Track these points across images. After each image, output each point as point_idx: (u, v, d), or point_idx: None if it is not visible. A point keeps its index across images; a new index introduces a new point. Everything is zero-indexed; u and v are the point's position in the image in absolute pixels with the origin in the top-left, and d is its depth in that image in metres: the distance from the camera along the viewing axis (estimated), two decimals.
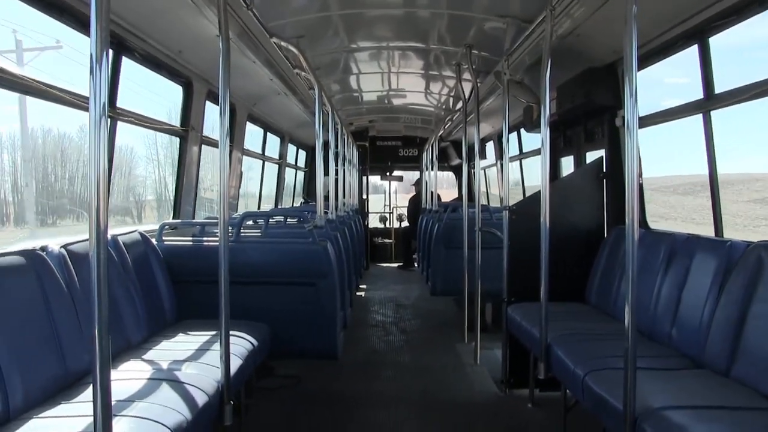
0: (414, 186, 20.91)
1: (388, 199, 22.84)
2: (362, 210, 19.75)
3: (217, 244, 5.29)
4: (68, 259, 4.88)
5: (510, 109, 7.82)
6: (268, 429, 6.48)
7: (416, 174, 21.13)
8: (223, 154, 4.93)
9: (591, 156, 8.66)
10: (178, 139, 8.41)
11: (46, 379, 4.24)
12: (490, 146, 16.49)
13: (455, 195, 22.33)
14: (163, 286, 6.53)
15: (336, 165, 11.14)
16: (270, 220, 8.84)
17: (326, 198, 8.84)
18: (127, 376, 4.56)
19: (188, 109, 8.25)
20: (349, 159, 15.39)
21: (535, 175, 12.91)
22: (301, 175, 19.00)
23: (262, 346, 6.14)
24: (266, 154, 14.00)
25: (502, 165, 12.23)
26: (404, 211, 21.56)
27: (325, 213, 8.31)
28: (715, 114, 5.68)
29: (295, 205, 17.85)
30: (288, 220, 10.09)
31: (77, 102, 5.53)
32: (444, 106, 14.68)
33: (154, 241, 6.82)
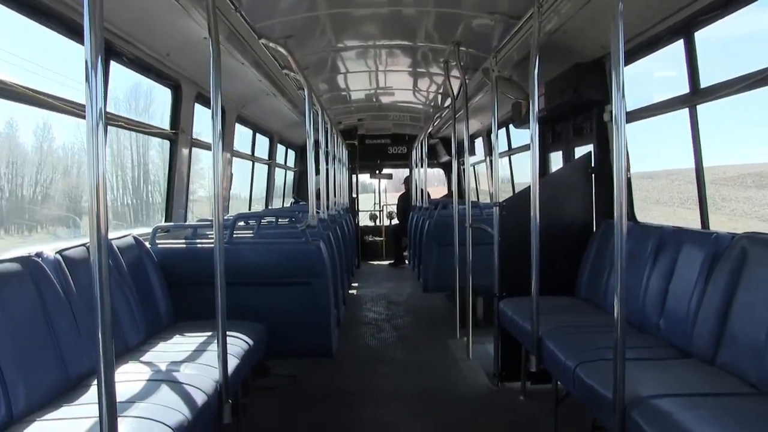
0: (403, 183, 20.94)
1: (377, 197, 22.87)
2: (352, 208, 19.77)
3: (210, 245, 5.33)
4: (63, 264, 4.91)
5: (499, 106, 7.88)
6: (265, 427, 6.54)
7: (405, 172, 21.17)
8: (215, 157, 4.96)
9: (580, 151, 8.72)
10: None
11: (47, 383, 4.28)
12: (479, 142, 16.52)
13: (443, 192, 22.37)
14: (158, 289, 6.56)
15: (326, 164, 11.17)
16: (262, 220, 8.87)
17: (317, 197, 8.87)
18: (128, 378, 4.60)
19: (177, 111, 8.25)
20: (339, 158, 15.41)
21: (524, 170, 12.96)
22: (290, 175, 18.98)
23: (258, 346, 6.19)
24: (255, 155, 14.00)
25: (491, 161, 12.29)
26: (394, 208, 21.60)
27: (317, 212, 8.34)
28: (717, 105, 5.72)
29: (285, 205, 17.85)
30: (279, 220, 10.13)
31: (70, 109, 5.56)
32: (432, 104, 14.71)
33: (147, 244, 6.84)
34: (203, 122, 8.90)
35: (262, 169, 15.19)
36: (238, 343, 5.74)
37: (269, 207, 15.52)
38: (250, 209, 14.01)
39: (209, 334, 5.94)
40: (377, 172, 21.68)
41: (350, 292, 14.12)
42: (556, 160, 9.93)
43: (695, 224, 5.93)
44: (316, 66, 10.30)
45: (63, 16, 5.38)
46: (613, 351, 4.07)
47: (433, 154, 19.93)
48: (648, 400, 3.99)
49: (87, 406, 4.12)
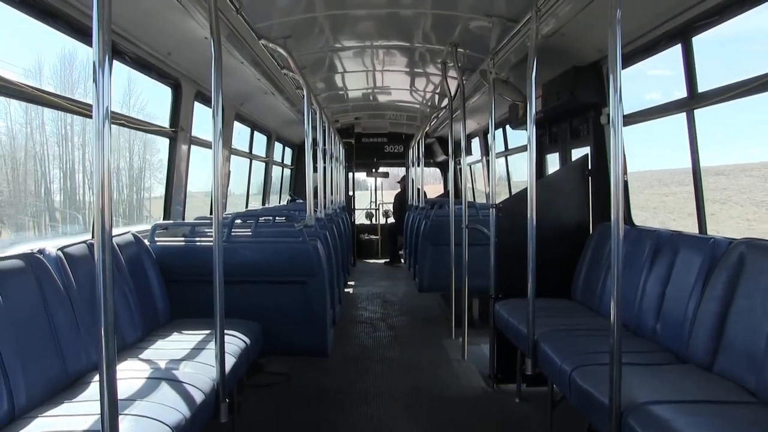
0: (399, 182, 20.96)
1: (373, 195, 22.89)
2: (348, 207, 19.79)
3: (208, 243, 5.35)
4: (65, 261, 4.93)
5: (496, 106, 7.90)
6: (260, 425, 6.55)
7: (402, 170, 21.18)
8: (216, 155, 4.98)
9: (576, 153, 8.75)
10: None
11: (48, 379, 4.31)
12: (475, 142, 16.54)
13: (439, 190, 22.40)
14: (156, 287, 6.58)
15: (323, 162, 11.18)
16: (259, 219, 8.88)
17: (314, 195, 8.89)
18: (127, 376, 4.62)
19: (177, 109, 8.27)
20: (336, 156, 15.42)
21: (521, 171, 12.99)
22: (287, 172, 18.98)
23: (254, 344, 6.21)
24: (253, 152, 14.00)
25: (488, 161, 12.29)
26: (390, 207, 21.62)
27: (315, 211, 8.35)
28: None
29: (282, 202, 17.85)
30: (277, 218, 10.14)
31: (77, 108, 5.57)
32: (429, 103, 14.72)
33: (146, 241, 6.86)
34: (201, 119, 8.93)
35: (258, 167, 15.19)
36: (235, 342, 5.77)
37: (266, 204, 15.53)
38: (247, 207, 14.02)
39: (206, 332, 5.96)
40: (374, 170, 21.68)
41: (346, 290, 14.13)
42: (553, 162, 9.96)
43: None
44: (314, 65, 10.32)
45: (69, 17, 5.40)
46: (609, 356, 4.08)
47: (429, 154, 19.94)
48: (644, 406, 4.00)
49: (87, 403, 4.15)
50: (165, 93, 8.20)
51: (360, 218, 22.38)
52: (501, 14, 7.21)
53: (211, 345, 5.26)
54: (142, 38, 6.68)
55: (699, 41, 5.75)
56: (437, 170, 22.24)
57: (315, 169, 9.72)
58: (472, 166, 17.59)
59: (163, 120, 8.23)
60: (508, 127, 12.35)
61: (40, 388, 4.19)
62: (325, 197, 11.21)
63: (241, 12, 6.53)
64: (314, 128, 10.20)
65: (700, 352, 4.89)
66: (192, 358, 5.24)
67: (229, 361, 5.19)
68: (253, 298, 7.05)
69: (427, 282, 11.85)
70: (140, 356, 5.33)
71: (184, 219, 8.67)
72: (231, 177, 11.60)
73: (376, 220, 22.41)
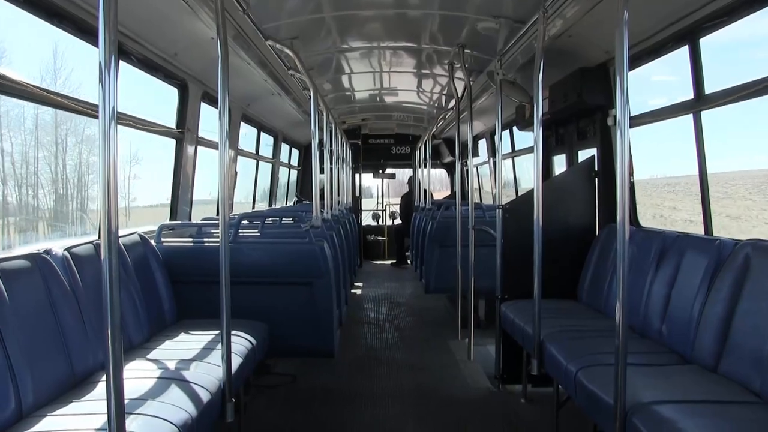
0: (407, 184, 20.97)
1: (380, 197, 22.91)
2: (355, 208, 19.80)
3: (215, 244, 5.36)
4: (71, 261, 4.95)
5: (503, 108, 7.90)
6: (266, 426, 6.56)
7: (408, 173, 21.20)
8: (222, 156, 4.99)
9: (583, 154, 8.75)
10: None
11: (55, 379, 4.33)
12: (482, 144, 16.54)
13: (445, 194, 22.39)
14: (162, 287, 6.58)
15: (330, 163, 11.18)
16: (266, 220, 8.89)
17: (321, 197, 8.90)
18: (133, 376, 4.64)
19: (184, 110, 8.28)
20: (343, 157, 15.44)
21: (528, 172, 12.98)
22: (293, 173, 19.00)
23: (261, 345, 6.22)
24: (259, 153, 14.03)
25: (495, 163, 12.30)
26: (397, 208, 21.63)
27: (321, 212, 8.36)
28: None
29: (288, 203, 17.88)
30: (283, 219, 10.15)
31: (82, 108, 5.59)
32: (436, 104, 14.73)
33: (153, 242, 6.87)
34: (207, 120, 8.93)
35: (264, 172, 15.20)
36: (241, 342, 5.77)
37: (273, 206, 15.55)
38: (253, 208, 14.04)
39: (213, 332, 5.97)
40: (380, 171, 21.70)
41: (352, 291, 14.14)
42: (560, 164, 9.96)
43: None
44: (321, 66, 10.34)
45: (75, 17, 5.42)
46: (615, 356, 4.08)
47: (436, 155, 19.94)
48: (649, 407, 4.00)
49: (95, 402, 4.16)
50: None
51: (367, 219, 22.40)
52: (508, 15, 7.21)
53: (218, 345, 5.27)
54: (149, 39, 6.70)
55: (706, 45, 5.74)
56: (444, 176, 22.25)
57: (321, 170, 9.73)
58: (479, 167, 17.58)
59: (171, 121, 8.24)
60: (515, 128, 12.35)
61: (48, 388, 4.21)
62: (331, 198, 11.22)
63: (248, 12, 6.54)
64: (321, 129, 10.21)
65: (705, 353, 4.89)
66: (198, 358, 5.25)
67: (236, 362, 5.20)
68: (260, 298, 7.05)
69: (434, 283, 11.84)
70: (147, 356, 5.34)
71: (190, 220, 8.68)
72: (237, 181, 11.63)
73: (382, 222, 22.42)
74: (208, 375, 4.82)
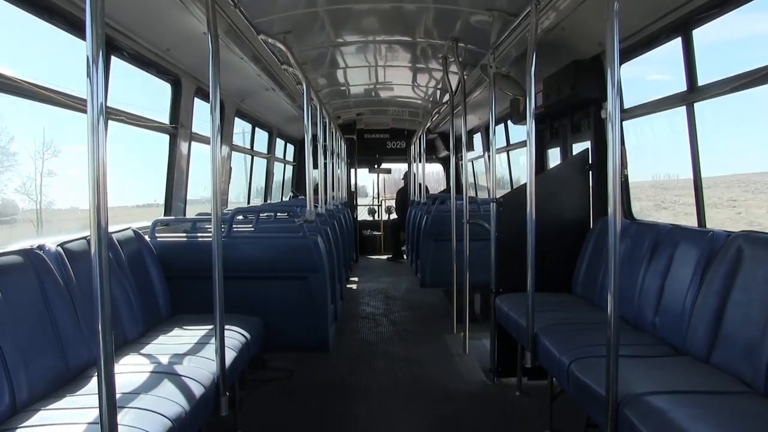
0: (402, 179, 20.98)
1: (375, 190, 22.92)
2: (351, 203, 19.81)
3: (209, 239, 5.35)
4: (65, 257, 4.96)
5: (497, 101, 7.90)
6: (261, 420, 6.57)
7: (403, 173, 21.21)
8: (214, 151, 4.99)
9: (577, 148, 8.75)
10: None
11: (49, 374, 4.33)
12: (477, 138, 16.55)
13: (443, 189, 22.40)
14: (157, 282, 6.59)
15: (325, 159, 11.18)
16: (260, 215, 8.89)
17: (315, 192, 8.90)
18: (127, 370, 4.66)
19: (177, 106, 8.28)
20: (338, 152, 15.43)
21: (523, 167, 12.98)
22: (288, 169, 19.00)
23: (255, 340, 6.23)
24: (254, 149, 14.02)
25: (489, 157, 12.35)
26: (392, 203, 21.63)
27: (315, 207, 8.36)
28: None
29: (284, 199, 17.88)
30: (278, 214, 10.15)
31: (71, 103, 5.58)
32: (431, 99, 14.74)
33: (147, 237, 6.87)
34: (201, 116, 8.92)
35: (259, 170, 15.18)
36: (235, 337, 5.78)
37: (268, 201, 15.55)
38: (248, 203, 14.04)
39: (207, 327, 5.98)
40: (376, 166, 21.70)
41: (348, 286, 14.15)
42: (555, 157, 9.96)
43: None
44: (315, 61, 10.33)
45: (64, 12, 5.41)
46: (606, 348, 4.10)
47: (431, 149, 19.96)
48: (641, 398, 4.01)
49: (88, 396, 4.17)
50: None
51: (363, 214, 22.41)
52: (501, 8, 7.21)
53: (212, 340, 5.27)
54: (141, 34, 6.69)
55: (698, 37, 5.74)
56: (441, 172, 22.26)
57: (315, 165, 9.73)
58: (474, 162, 17.59)
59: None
60: (510, 122, 12.36)
61: (42, 383, 4.22)
62: (326, 193, 11.22)
63: (240, 7, 6.54)
64: (315, 124, 10.21)
65: (697, 344, 4.90)
66: (192, 352, 5.26)
67: (230, 356, 5.21)
68: (255, 293, 7.07)
69: (429, 277, 11.86)
70: (141, 351, 5.35)
71: (185, 215, 8.68)
72: (233, 179, 11.62)
73: (378, 216, 22.43)
74: (201, 369, 4.83)
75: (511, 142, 13.09)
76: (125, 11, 6.03)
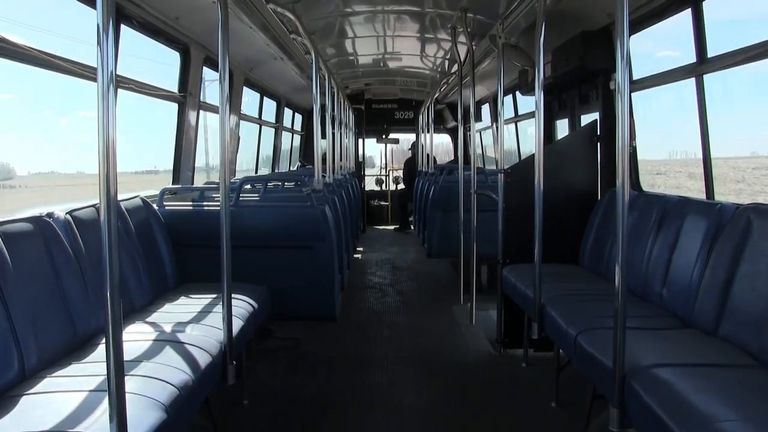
0: (410, 149, 20.94)
1: (383, 159, 22.89)
2: (358, 173, 19.80)
3: (217, 208, 5.36)
4: (74, 225, 4.97)
5: (505, 72, 7.85)
6: (268, 388, 6.61)
7: (412, 139, 21.18)
8: (223, 120, 4.99)
9: (586, 119, 8.72)
10: None
11: (57, 341, 4.36)
12: (485, 109, 16.48)
13: (449, 159, 22.36)
14: (164, 251, 6.61)
15: (332, 128, 11.15)
16: (268, 184, 8.89)
17: (323, 161, 8.89)
18: (134, 338, 4.68)
19: (186, 75, 8.27)
20: (345, 122, 15.39)
21: (532, 138, 12.94)
22: (297, 138, 18.98)
23: (262, 308, 6.26)
24: (262, 118, 14.01)
25: (497, 127, 12.28)
26: (400, 173, 21.62)
27: (323, 176, 8.36)
28: None
29: (291, 168, 17.88)
30: (285, 184, 10.15)
31: (81, 71, 5.58)
32: (439, 69, 14.67)
33: (155, 206, 6.88)
34: (209, 85, 8.90)
35: (267, 141, 15.16)
36: (242, 306, 5.81)
37: (275, 170, 15.55)
38: (256, 172, 14.04)
39: (214, 296, 6.00)
40: (384, 136, 21.66)
41: (355, 256, 14.18)
42: (563, 128, 9.93)
43: None
44: (323, 31, 10.28)
45: None
46: (614, 320, 4.10)
47: (439, 120, 19.89)
48: (648, 370, 4.01)
49: (95, 364, 4.19)
50: None
51: (370, 185, 22.40)
52: None
53: (219, 308, 5.30)
54: (150, 2, 6.67)
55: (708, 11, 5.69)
56: (449, 143, 22.22)
57: (323, 135, 9.71)
58: (482, 132, 17.54)
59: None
60: (518, 93, 12.30)
61: (50, 350, 4.24)
62: (333, 163, 11.21)
63: None
64: (323, 94, 10.17)
65: (704, 316, 4.90)
66: (199, 321, 5.28)
67: (237, 324, 5.23)
68: (262, 262, 7.08)
69: (436, 248, 11.86)
70: (148, 319, 5.38)
71: (193, 184, 8.69)
72: (240, 147, 11.61)
73: (386, 187, 22.42)
74: (208, 338, 4.85)
75: (519, 113, 13.04)
76: None
